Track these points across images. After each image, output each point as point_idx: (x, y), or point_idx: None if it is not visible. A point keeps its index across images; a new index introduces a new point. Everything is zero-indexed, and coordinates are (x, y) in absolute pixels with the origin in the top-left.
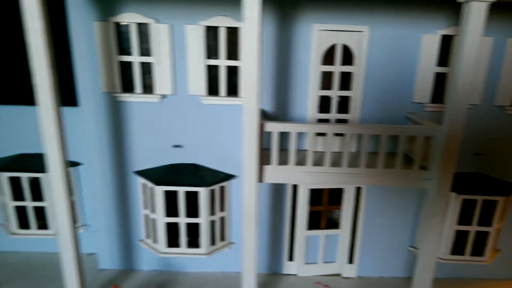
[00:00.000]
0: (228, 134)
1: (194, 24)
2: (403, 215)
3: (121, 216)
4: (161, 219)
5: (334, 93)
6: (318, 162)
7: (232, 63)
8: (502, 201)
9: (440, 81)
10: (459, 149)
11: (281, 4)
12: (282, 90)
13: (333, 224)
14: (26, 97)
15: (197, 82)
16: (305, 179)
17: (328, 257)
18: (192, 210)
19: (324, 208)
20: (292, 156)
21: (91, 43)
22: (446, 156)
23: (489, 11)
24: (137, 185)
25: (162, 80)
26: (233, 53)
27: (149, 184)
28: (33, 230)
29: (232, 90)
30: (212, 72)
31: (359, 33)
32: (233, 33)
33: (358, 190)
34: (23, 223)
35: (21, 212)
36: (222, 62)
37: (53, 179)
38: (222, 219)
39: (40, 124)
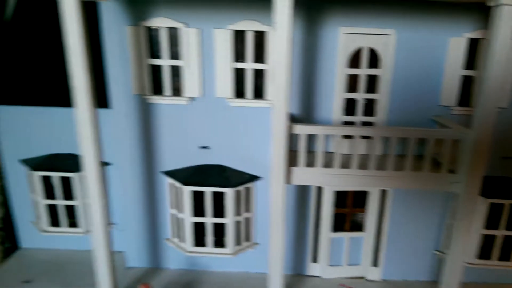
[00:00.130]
0: (254, 136)
1: (222, 28)
2: (428, 218)
3: (149, 215)
4: (188, 219)
5: (360, 96)
6: (344, 164)
7: (259, 66)
8: None
9: (467, 84)
10: (488, 152)
11: (308, 8)
12: (308, 92)
13: (357, 226)
14: (57, 99)
15: (224, 84)
16: (332, 181)
17: (352, 259)
18: (218, 210)
19: (349, 211)
20: (320, 158)
21: (123, 47)
22: (475, 160)
23: None
24: (165, 185)
25: (190, 83)
26: (259, 56)
27: (177, 184)
28: (64, 228)
29: (258, 93)
30: (239, 75)
31: (385, 36)
32: (259, 36)
33: (383, 193)
34: (54, 221)
35: (52, 210)
36: (249, 65)
37: (88, 179)
38: (247, 220)
39: (77, 125)
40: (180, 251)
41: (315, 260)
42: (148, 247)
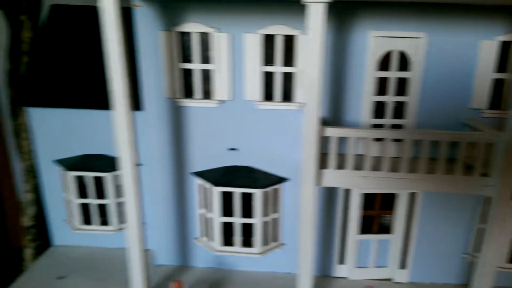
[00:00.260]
0: (281, 138)
1: (252, 33)
2: (456, 221)
3: (178, 214)
4: (217, 219)
5: (390, 99)
6: (374, 167)
7: (287, 69)
8: None
9: (498, 87)
10: None
11: (338, 12)
12: (337, 95)
13: (384, 228)
14: (90, 101)
15: (253, 88)
16: (363, 183)
17: (379, 261)
18: (246, 211)
19: (376, 213)
20: (350, 160)
21: (156, 51)
22: (508, 163)
23: None
24: (194, 185)
25: (220, 86)
26: (288, 59)
27: (207, 185)
28: (95, 226)
29: (286, 96)
30: (267, 78)
31: (416, 39)
32: (288, 40)
33: (412, 195)
34: (86, 219)
35: (84, 209)
36: (278, 69)
37: (124, 179)
38: (275, 221)
39: (114, 127)
40: (208, 250)
41: (341, 261)
42: (177, 245)
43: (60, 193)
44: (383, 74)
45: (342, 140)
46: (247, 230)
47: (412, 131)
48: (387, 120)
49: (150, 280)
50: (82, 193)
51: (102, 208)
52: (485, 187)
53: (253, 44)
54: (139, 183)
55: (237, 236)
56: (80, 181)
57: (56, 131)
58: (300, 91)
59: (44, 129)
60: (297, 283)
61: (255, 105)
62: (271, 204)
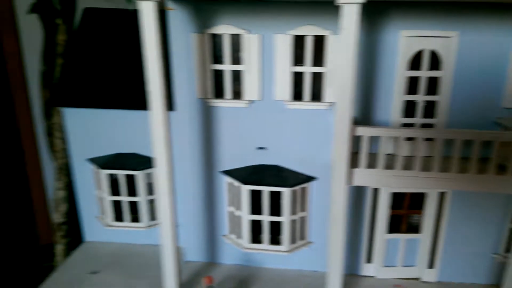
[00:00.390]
0: (310, 137)
1: (283, 34)
2: (487, 221)
3: (207, 212)
4: (246, 216)
5: (420, 98)
6: (405, 166)
7: (316, 69)
8: None
9: None
10: None
11: (369, 12)
12: (367, 94)
13: (412, 228)
14: (122, 102)
15: (283, 88)
16: (393, 182)
17: (407, 260)
18: (274, 209)
19: (405, 212)
20: (381, 159)
21: (188, 53)
22: None
23: None
24: (223, 184)
25: (250, 86)
26: (317, 59)
27: (236, 183)
28: (127, 223)
29: (314, 95)
30: (296, 78)
31: (447, 38)
32: (318, 40)
33: (442, 195)
34: (118, 216)
35: (116, 206)
36: (307, 69)
37: (159, 177)
38: (302, 219)
39: (151, 126)
40: (236, 247)
41: (369, 260)
42: (205, 242)
43: (92, 191)
44: (414, 73)
45: (372, 140)
46: (275, 228)
47: (444, 130)
48: (417, 120)
49: (180, 276)
50: (114, 190)
51: (133, 205)
52: None
53: (283, 45)
54: (173, 182)
55: (265, 234)
56: (112, 179)
57: (89, 130)
58: (329, 90)
59: (78, 128)
60: (326, 282)
61: (284, 105)
62: (299, 202)
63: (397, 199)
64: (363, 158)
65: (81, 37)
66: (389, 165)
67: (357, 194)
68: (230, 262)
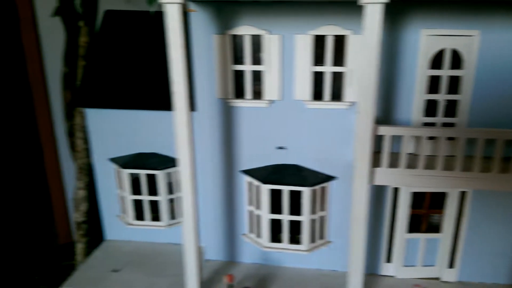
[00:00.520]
0: (330, 137)
1: (303, 34)
2: (508, 220)
3: (227, 211)
4: (266, 216)
5: (441, 97)
6: (426, 165)
7: (337, 69)
8: None
9: None
10: None
11: (389, 11)
12: (387, 94)
13: (432, 227)
14: (143, 102)
15: (303, 87)
16: (415, 182)
17: (427, 260)
18: (294, 208)
19: (425, 212)
20: (403, 159)
21: (209, 54)
22: None
23: None
24: (243, 183)
25: (271, 86)
26: (337, 59)
27: (255, 183)
28: (147, 222)
29: (334, 95)
30: (317, 78)
31: (469, 37)
32: (339, 40)
33: (463, 194)
34: (139, 215)
35: (137, 205)
36: (328, 69)
37: (183, 176)
38: (322, 218)
39: (175, 127)
40: (256, 246)
41: (389, 260)
42: (225, 241)
43: (113, 190)
44: (435, 72)
45: (394, 139)
46: (295, 227)
47: (467, 129)
48: (439, 119)
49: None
50: (135, 190)
51: (154, 204)
52: None
53: (303, 45)
54: (196, 181)
55: (285, 233)
56: (133, 178)
57: (111, 130)
58: (349, 90)
59: (100, 129)
60: (346, 281)
61: (304, 104)
62: (318, 202)
63: (417, 198)
64: (385, 157)
65: (103, 39)
66: (411, 165)
67: (377, 193)
68: (250, 261)
